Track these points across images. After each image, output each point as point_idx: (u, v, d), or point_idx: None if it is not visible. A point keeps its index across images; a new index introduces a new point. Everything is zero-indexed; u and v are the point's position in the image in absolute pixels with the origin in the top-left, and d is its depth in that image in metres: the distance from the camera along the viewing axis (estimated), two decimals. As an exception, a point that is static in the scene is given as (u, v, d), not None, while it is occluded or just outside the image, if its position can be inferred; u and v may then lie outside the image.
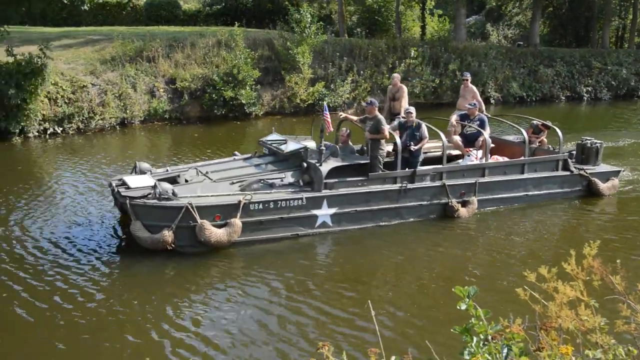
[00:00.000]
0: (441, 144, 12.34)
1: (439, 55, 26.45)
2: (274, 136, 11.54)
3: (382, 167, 10.73)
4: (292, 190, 9.91)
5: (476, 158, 11.90)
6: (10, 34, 18.00)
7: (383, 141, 10.68)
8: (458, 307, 2.70)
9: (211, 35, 22.92)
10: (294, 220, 9.87)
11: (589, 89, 29.32)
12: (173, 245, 9.08)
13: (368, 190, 10.36)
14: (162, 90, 20.51)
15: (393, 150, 11.09)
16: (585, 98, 29.04)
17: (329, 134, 10.56)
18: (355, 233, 10.31)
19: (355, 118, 11.41)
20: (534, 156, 12.41)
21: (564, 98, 28.65)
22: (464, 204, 11.15)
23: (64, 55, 20.19)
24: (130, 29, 26.04)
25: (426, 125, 11.21)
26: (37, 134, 17.49)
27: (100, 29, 26.05)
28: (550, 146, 12.96)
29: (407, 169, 10.80)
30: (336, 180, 10.07)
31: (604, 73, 29.68)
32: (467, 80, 13.68)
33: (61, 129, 17.95)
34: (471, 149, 12.06)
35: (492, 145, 12.63)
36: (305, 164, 10.09)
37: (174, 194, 9.11)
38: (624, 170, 13.65)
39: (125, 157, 15.56)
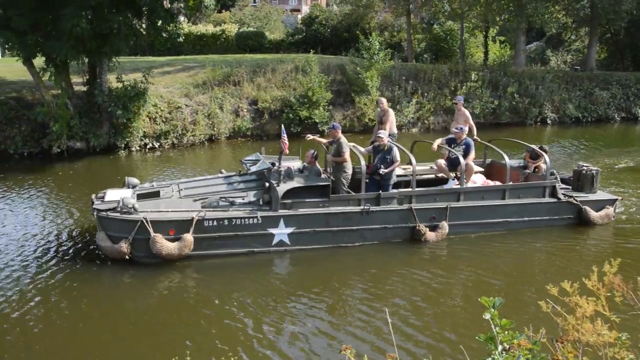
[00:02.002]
0: (428, 168, 11.71)
1: (498, 79, 25.70)
2: (254, 156, 11.06)
3: (345, 188, 10.09)
4: (251, 208, 9.45)
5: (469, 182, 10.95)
6: (121, 63, 18.88)
7: (347, 164, 10.05)
8: (483, 317, 2.55)
9: (289, 61, 23.24)
10: (250, 237, 9.42)
11: (645, 110, 27.66)
12: (130, 255, 9.05)
13: (327, 212, 9.66)
14: (245, 110, 20.90)
15: (366, 172, 10.33)
16: (641, 119, 27.44)
17: (286, 154, 9.98)
18: (314, 252, 9.69)
19: (323, 141, 10.75)
20: (527, 181, 11.33)
21: (619, 119, 27.11)
22: (433, 228, 10.21)
23: (164, 80, 20.97)
24: (222, 56, 26.78)
25: (398, 149, 10.50)
26: (138, 148, 18.19)
27: (196, 58, 26.90)
28: (553, 171, 11.79)
29: (379, 192, 10.08)
30: (295, 200, 9.52)
31: (660, 95, 27.91)
32: (457, 104, 12.82)
33: (158, 144, 18.61)
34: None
35: (481, 169, 11.76)
36: (267, 184, 9.67)
37: (134, 208, 9.01)
38: (621, 199, 12.05)
39: (210, 168, 15.91)
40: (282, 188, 9.35)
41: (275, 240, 9.58)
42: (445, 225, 10.26)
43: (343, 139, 10.12)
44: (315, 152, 10.36)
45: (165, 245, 8.87)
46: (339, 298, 8.32)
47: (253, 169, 10.41)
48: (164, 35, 17.55)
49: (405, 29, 34.30)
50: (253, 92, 21.33)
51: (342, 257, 9.67)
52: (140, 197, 9.59)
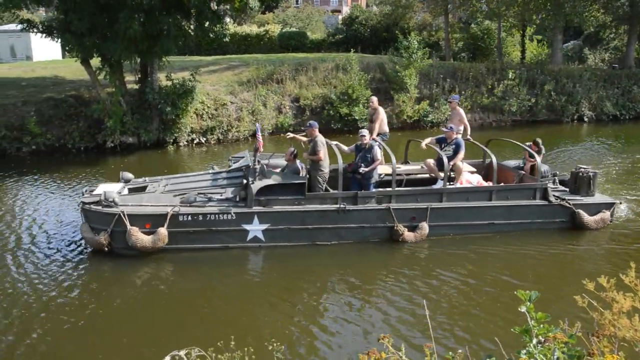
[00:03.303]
0: (419, 167, 11.23)
1: (535, 77, 24.91)
2: (241, 153, 10.88)
3: (322, 187, 9.72)
4: (227, 205, 9.23)
5: (458, 182, 10.37)
6: (170, 63, 19.04)
7: (323, 162, 9.69)
8: (519, 309, 2.49)
9: (331, 60, 23.06)
10: (224, 233, 9.21)
11: (685, 107, 26.26)
12: (109, 247, 9.01)
13: (302, 209, 9.35)
14: (287, 107, 20.84)
15: (348, 171, 9.98)
16: (681, 116, 26.11)
17: (261, 152, 9.64)
18: (289, 249, 9.39)
19: (304, 139, 10.32)
20: (522, 182, 10.64)
21: (657, 116, 25.95)
22: (412, 228, 9.70)
23: (210, 78, 21.09)
24: (265, 56, 26.80)
25: (380, 148, 10.08)
26: (185, 143, 18.32)
27: (241, 57, 26.99)
28: (556, 172, 11.11)
29: (356, 190, 9.70)
30: (269, 197, 9.24)
31: (701, 92, 26.47)
32: (451, 102, 12.26)
33: (205, 139, 18.71)
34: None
35: (474, 169, 11.10)
36: (245, 181, 9.45)
37: (114, 202, 8.95)
38: (620, 203, 11.09)
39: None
40: (257, 185, 9.15)
41: (249, 236, 9.35)
42: (425, 226, 9.76)
43: (319, 138, 9.81)
44: (295, 150, 10.10)
45: (140, 238, 8.82)
46: (312, 293, 8.11)
47: (234, 166, 10.26)
48: (211, 35, 17.61)
49: (443, 29, 33.67)
50: (295, 90, 21.25)
51: (317, 255, 9.36)
52: (131, 191, 9.65)
